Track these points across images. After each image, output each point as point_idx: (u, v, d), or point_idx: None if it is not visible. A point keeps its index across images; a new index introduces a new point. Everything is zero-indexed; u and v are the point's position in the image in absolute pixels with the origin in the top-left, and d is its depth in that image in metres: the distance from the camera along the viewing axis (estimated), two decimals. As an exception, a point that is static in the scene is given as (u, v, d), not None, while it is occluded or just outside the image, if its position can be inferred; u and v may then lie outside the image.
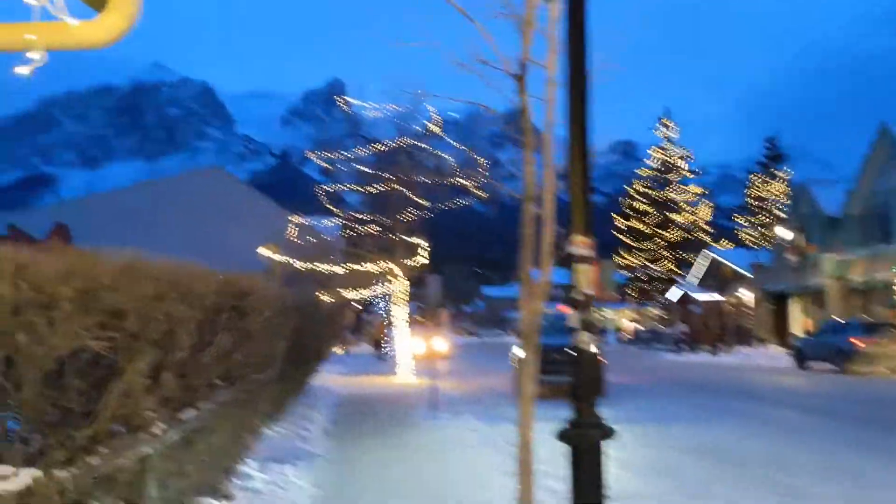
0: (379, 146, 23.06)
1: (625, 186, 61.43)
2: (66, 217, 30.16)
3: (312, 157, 24.51)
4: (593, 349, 3.81)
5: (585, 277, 3.79)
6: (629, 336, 58.49)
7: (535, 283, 5.14)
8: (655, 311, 63.87)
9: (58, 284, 3.26)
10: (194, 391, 5.34)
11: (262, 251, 22.96)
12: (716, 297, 48.33)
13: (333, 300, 23.87)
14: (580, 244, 3.80)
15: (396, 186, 22.73)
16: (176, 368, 4.73)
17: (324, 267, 23.56)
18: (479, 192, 24.08)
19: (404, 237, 23.36)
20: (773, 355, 35.60)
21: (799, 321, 40.44)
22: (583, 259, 3.80)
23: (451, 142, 23.45)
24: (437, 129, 22.81)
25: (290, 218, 24.24)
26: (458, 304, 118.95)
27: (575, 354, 3.84)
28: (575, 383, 3.84)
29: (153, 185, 34.58)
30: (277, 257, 23.07)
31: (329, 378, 20.86)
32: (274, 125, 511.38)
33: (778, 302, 42.30)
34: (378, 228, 23.69)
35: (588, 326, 3.80)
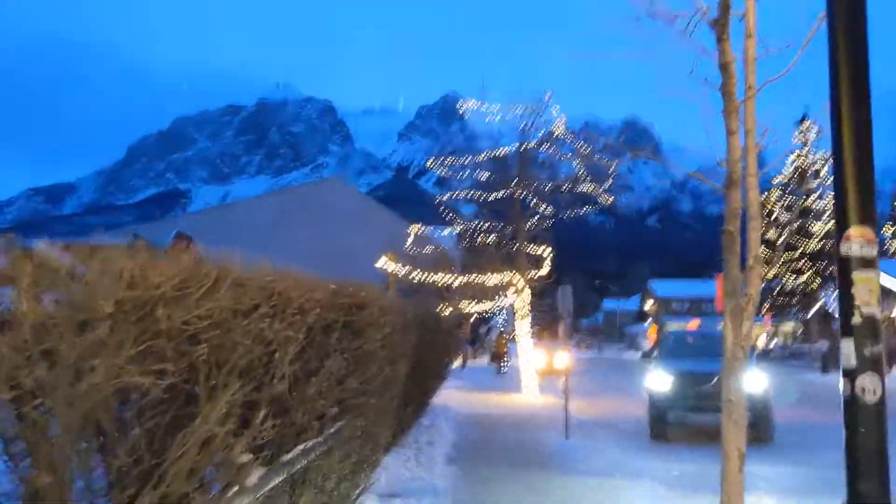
0: (500, 150, 21.95)
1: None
2: (193, 228, 30.61)
3: (432, 165, 23.72)
4: (873, 397, 2.48)
5: (869, 290, 2.45)
6: (759, 351, 54.65)
7: (744, 297, 3.81)
8: (790, 326, 59.67)
9: (95, 297, 2.26)
10: (299, 429, 4.31)
11: (381, 262, 22.26)
12: (864, 312, 44.24)
13: (452, 312, 22.91)
14: (860, 239, 2.47)
15: (519, 191, 21.55)
16: (273, 404, 3.71)
17: (443, 278, 22.63)
18: (606, 198, 22.63)
19: (527, 246, 22.11)
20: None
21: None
22: (865, 263, 2.47)
23: (581, 140, 22.06)
24: (561, 131, 21.51)
25: (408, 228, 23.47)
26: (576, 317, 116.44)
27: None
28: (850, 449, 2.52)
29: (277, 195, 34.86)
30: (396, 267, 22.32)
31: (448, 395, 19.83)
32: (391, 140, 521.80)
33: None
34: (499, 237, 22.56)
35: (874, 364, 2.47)
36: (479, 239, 22.77)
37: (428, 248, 24.15)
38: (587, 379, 29.92)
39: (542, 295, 25.75)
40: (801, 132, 55.23)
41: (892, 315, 43.75)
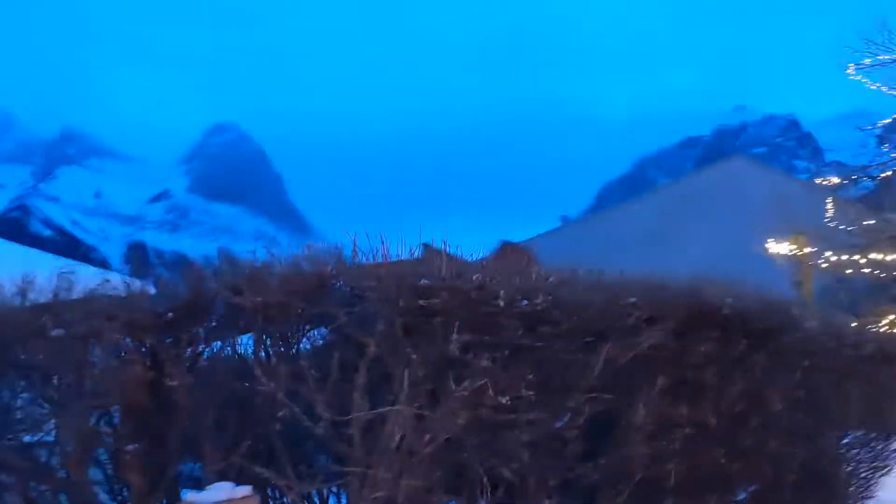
0: None
1: None
2: (547, 248, 25.99)
3: None
4: None
5: None
6: None
7: None
8: None
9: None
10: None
11: (773, 247, 13.98)
12: None
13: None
14: None
15: None
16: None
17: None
18: None
19: None
20: None
21: None
22: None
23: None
24: None
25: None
26: None
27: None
28: None
29: (656, 195, 28.08)
30: (804, 252, 13.79)
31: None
32: (868, 147, 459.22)
33: None
34: None
35: None
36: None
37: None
38: None
39: None
40: None
41: None
